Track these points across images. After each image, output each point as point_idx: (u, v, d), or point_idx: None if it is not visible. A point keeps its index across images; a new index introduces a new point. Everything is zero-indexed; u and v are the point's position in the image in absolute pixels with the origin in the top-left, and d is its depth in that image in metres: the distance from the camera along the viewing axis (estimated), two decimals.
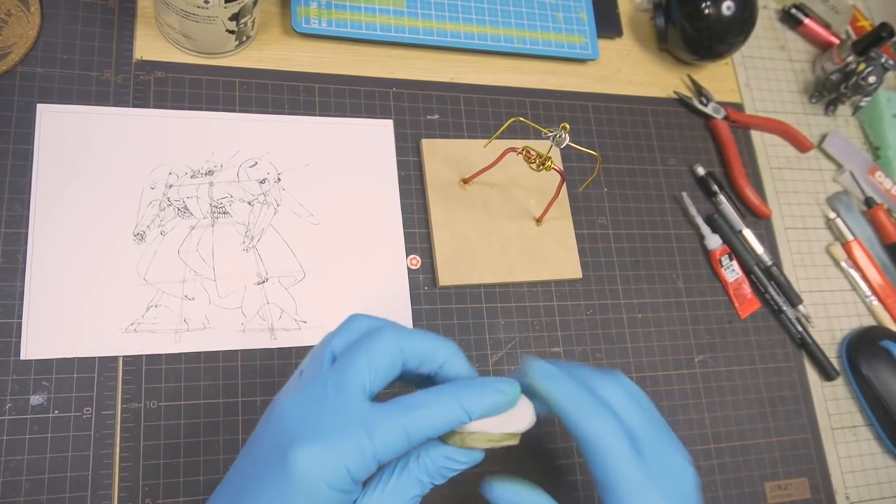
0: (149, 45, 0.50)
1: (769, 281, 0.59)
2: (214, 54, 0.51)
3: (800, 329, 0.59)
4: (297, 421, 0.30)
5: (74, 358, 0.42)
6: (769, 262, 0.60)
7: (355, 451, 0.29)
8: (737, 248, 0.59)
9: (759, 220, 0.63)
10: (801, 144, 0.64)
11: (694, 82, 0.64)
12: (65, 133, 0.46)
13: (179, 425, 0.43)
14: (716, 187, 0.60)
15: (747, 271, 0.59)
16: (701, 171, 0.61)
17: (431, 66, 0.56)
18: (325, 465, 0.29)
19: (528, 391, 0.35)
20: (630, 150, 0.60)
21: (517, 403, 0.33)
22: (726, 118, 0.63)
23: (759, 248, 0.60)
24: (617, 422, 0.34)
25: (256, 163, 0.49)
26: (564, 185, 0.53)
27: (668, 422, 0.53)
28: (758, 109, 0.67)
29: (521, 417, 0.33)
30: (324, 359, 0.32)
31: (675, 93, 0.63)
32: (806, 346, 0.59)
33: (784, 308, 0.59)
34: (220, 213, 0.47)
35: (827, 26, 0.72)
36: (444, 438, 0.33)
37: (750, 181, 0.62)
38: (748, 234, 0.60)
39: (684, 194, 0.59)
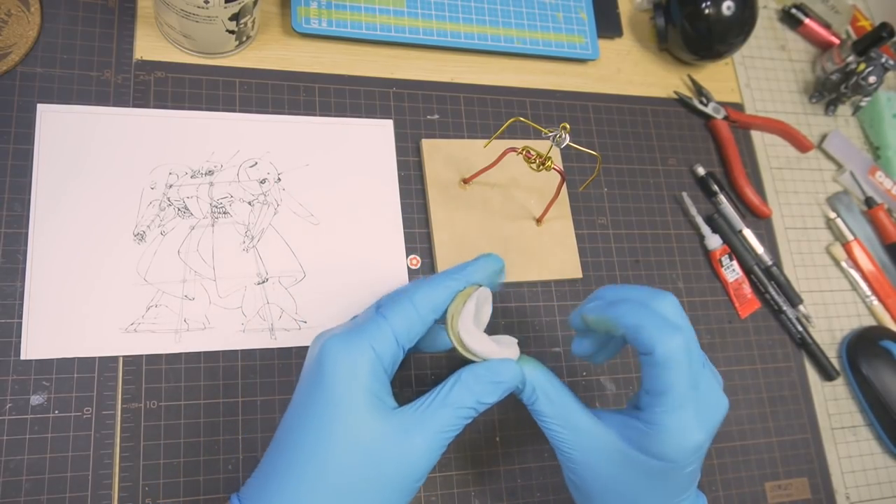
0: (149, 45, 0.50)
1: (769, 281, 0.59)
2: (214, 54, 0.51)
3: (800, 329, 0.59)
4: (328, 332, 0.35)
5: (74, 358, 0.42)
6: (769, 262, 0.60)
7: (376, 330, 0.34)
8: (737, 248, 0.59)
9: (759, 220, 0.63)
10: (801, 144, 0.64)
11: (694, 82, 0.64)
12: (65, 133, 0.46)
13: (179, 425, 0.43)
14: (716, 187, 0.60)
15: (747, 271, 0.59)
16: (701, 171, 0.61)
17: (431, 66, 0.56)
18: (352, 345, 0.33)
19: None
20: (630, 150, 0.60)
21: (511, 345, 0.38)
22: (726, 118, 0.63)
23: (759, 248, 0.60)
24: (682, 338, 0.35)
25: (256, 163, 0.49)
26: (564, 185, 0.53)
27: None
28: (758, 109, 0.67)
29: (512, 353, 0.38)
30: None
31: (675, 93, 0.63)
32: (806, 346, 0.59)
33: (784, 308, 0.59)
34: (220, 213, 0.47)
35: (827, 26, 0.72)
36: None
37: (750, 181, 0.62)
38: (748, 233, 0.60)
39: (684, 194, 0.59)
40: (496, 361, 0.36)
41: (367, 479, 0.32)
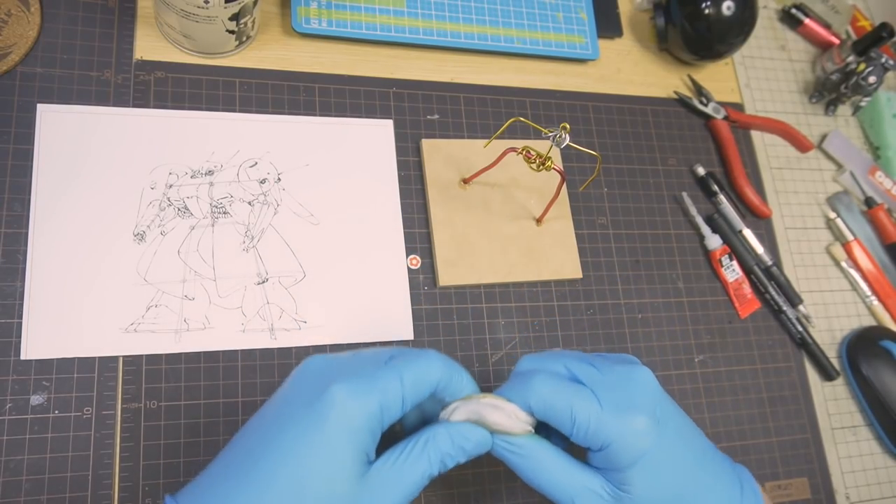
0: (149, 45, 0.50)
1: (769, 281, 0.59)
2: (214, 54, 0.51)
3: (800, 329, 0.59)
4: (335, 370, 0.33)
5: (74, 358, 0.42)
6: (769, 262, 0.60)
7: (388, 390, 0.32)
8: (737, 248, 0.59)
9: (759, 220, 0.63)
10: (801, 144, 0.64)
11: (694, 82, 0.64)
12: (65, 133, 0.46)
13: (179, 425, 0.43)
14: (716, 187, 0.60)
15: (747, 271, 0.59)
16: (701, 171, 0.61)
17: (431, 66, 0.56)
18: (362, 398, 0.32)
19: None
20: (630, 150, 0.60)
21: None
22: (726, 118, 0.63)
23: (759, 248, 0.60)
24: (537, 379, 0.36)
25: (256, 163, 0.49)
26: (564, 185, 0.53)
27: None
28: (758, 109, 0.67)
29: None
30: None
31: (675, 93, 0.63)
32: (806, 346, 0.59)
33: (784, 308, 0.59)
34: (220, 213, 0.47)
35: (827, 26, 0.72)
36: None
37: (750, 181, 0.62)
38: (748, 234, 0.60)
39: (684, 194, 0.59)
40: (468, 426, 0.35)
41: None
